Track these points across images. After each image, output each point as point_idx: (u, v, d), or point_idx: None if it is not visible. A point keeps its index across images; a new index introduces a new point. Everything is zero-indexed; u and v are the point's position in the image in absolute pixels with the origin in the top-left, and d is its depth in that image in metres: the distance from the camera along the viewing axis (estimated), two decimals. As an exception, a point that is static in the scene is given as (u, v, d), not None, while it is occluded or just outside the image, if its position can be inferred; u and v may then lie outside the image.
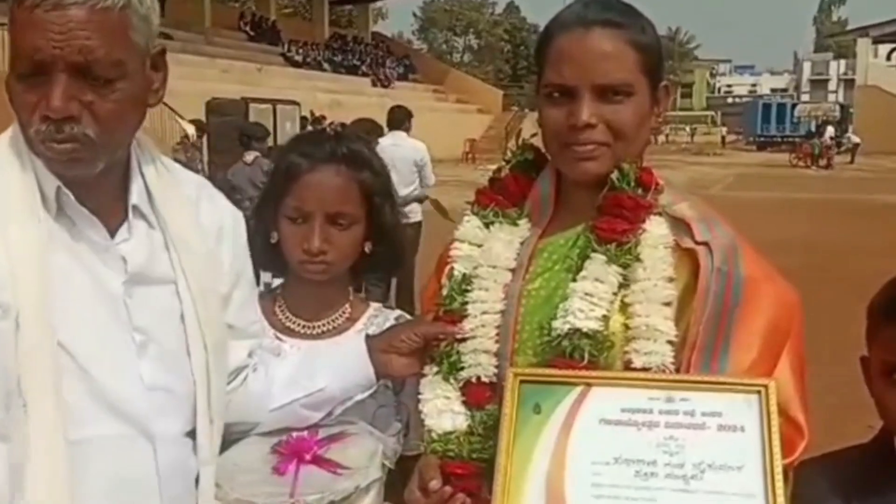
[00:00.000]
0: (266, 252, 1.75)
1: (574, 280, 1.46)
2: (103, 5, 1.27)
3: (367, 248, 1.75)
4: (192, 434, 1.44)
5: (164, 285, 1.43)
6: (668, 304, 1.42)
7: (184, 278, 1.43)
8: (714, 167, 33.83)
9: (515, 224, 1.57)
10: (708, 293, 1.40)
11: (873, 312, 1.48)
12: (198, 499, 1.44)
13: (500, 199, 1.60)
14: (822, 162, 34.95)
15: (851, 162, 35.32)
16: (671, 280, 1.43)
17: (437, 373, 1.52)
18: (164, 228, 1.44)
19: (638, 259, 1.44)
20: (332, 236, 1.69)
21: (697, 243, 1.43)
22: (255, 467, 1.52)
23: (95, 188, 1.37)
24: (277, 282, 1.87)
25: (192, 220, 1.48)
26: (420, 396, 1.53)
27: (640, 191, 1.48)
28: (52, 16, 1.24)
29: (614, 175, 1.47)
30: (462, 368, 1.50)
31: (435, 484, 1.44)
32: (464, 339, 1.50)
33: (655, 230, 1.46)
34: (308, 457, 1.54)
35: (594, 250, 1.46)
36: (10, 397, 1.27)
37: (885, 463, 1.43)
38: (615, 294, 1.44)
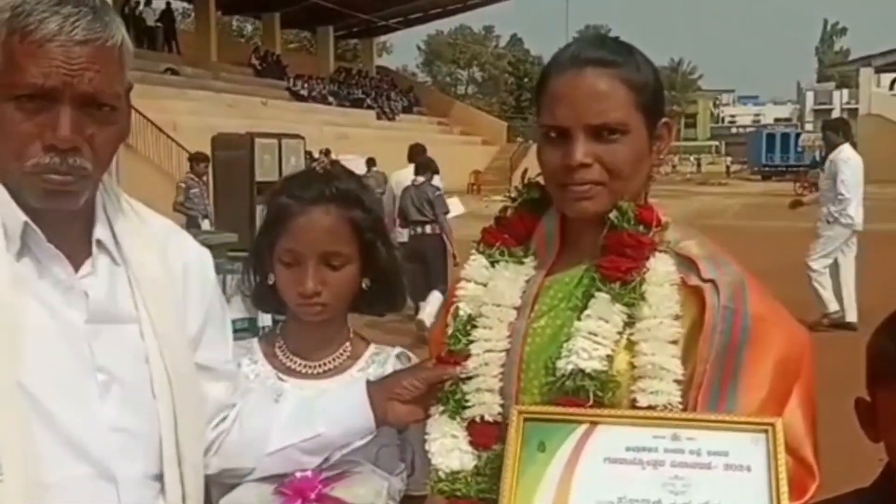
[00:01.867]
0: (264, 293, 1.76)
1: (578, 319, 1.46)
2: (109, 43, 1.31)
3: (365, 284, 1.75)
4: (160, 477, 1.43)
5: (127, 325, 1.42)
6: (674, 342, 1.41)
7: (148, 318, 1.43)
8: (719, 197, 33.86)
9: (521, 262, 1.57)
10: (714, 331, 1.39)
11: (884, 356, 1.40)
12: None
13: (505, 237, 1.60)
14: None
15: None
16: (677, 318, 1.42)
17: (443, 412, 1.51)
18: (128, 267, 1.43)
19: (643, 297, 1.43)
20: (326, 277, 1.68)
21: (704, 281, 1.43)
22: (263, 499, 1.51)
23: (62, 225, 1.36)
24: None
25: (158, 260, 1.47)
26: (426, 436, 1.52)
27: (641, 228, 1.47)
28: (62, 49, 1.27)
29: (613, 214, 1.47)
30: (467, 407, 1.49)
31: None
32: (468, 378, 1.50)
33: (661, 267, 1.45)
34: (313, 496, 1.53)
35: (598, 289, 1.46)
36: None
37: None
38: (620, 333, 1.43)
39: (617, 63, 1.47)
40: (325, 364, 1.76)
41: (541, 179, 1.58)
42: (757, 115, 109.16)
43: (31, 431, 1.27)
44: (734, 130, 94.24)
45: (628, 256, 1.46)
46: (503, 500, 1.33)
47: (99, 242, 1.41)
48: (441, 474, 1.48)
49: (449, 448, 1.49)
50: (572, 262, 1.55)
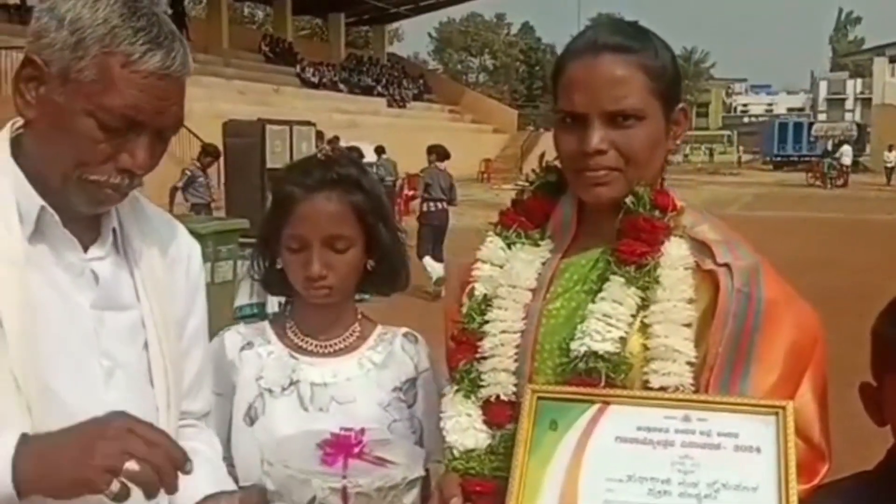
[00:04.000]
0: (273, 277, 1.81)
1: (593, 301, 1.47)
2: (186, 77, 1.36)
3: (369, 265, 1.79)
4: None
5: (129, 312, 1.45)
6: (687, 325, 1.42)
7: (148, 307, 1.46)
8: (731, 187, 33.73)
9: (537, 245, 1.59)
10: (728, 314, 1.41)
11: (892, 342, 1.41)
12: None
13: (522, 220, 1.62)
14: (840, 182, 34.77)
15: (845, 185, 34.87)
16: (691, 301, 1.43)
17: (457, 391, 1.53)
18: (130, 256, 1.47)
19: (657, 281, 1.45)
20: (331, 260, 1.72)
21: (718, 265, 1.44)
22: (304, 456, 1.55)
23: (72, 211, 1.38)
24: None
25: (157, 251, 1.51)
26: (442, 414, 1.55)
27: (656, 213, 1.49)
28: (159, 83, 1.31)
29: (629, 199, 1.48)
30: (482, 387, 1.51)
31: (456, 501, 1.46)
32: (483, 358, 1.52)
33: (675, 252, 1.46)
34: (356, 450, 1.56)
35: (613, 272, 1.47)
36: None
37: (890, 489, 1.40)
38: (634, 316, 1.45)
39: (634, 49, 1.47)
40: (335, 344, 1.81)
41: (558, 163, 1.59)
42: (770, 104, 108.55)
43: (39, 411, 1.29)
44: (746, 120, 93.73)
45: (643, 241, 1.47)
46: (514, 477, 1.35)
47: (113, 231, 1.44)
48: (455, 452, 1.50)
49: (464, 426, 1.51)
50: (588, 246, 1.56)
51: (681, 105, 1.54)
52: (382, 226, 1.79)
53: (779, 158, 50.81)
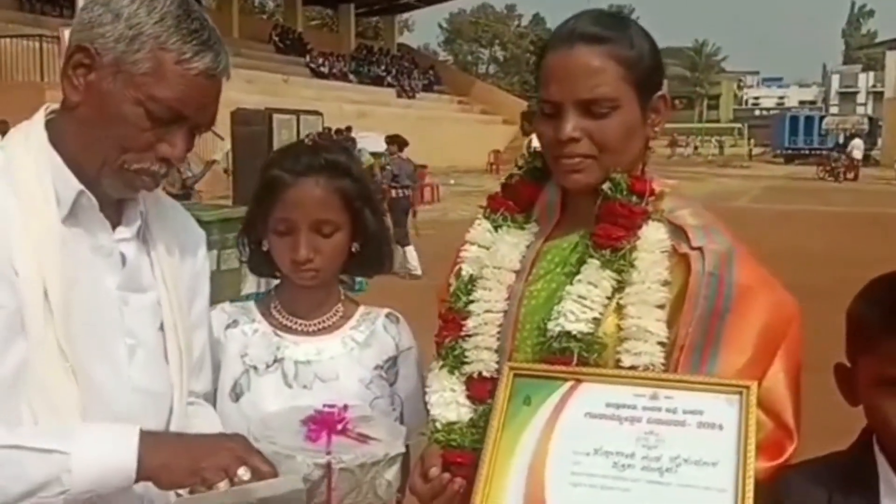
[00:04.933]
0: (259, 259, 1.86)
1: (571, 284, 1.52)
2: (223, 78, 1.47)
3: (355, 248, 1.83)
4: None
5: (148, 293, 1.53)
6: (660, 306, 1.47)
7: (164, 289, 1.54)
8: (740, 180, 33.61)
9: (522, 228, 1.64)
10: (697, 296, 1.45)
11: (866, 322, 1.43)
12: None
13: (509, 204, 1.67)
14: (850, 175, 34.62)
15: (855, 179, 34.69)
16: (666, 283, 1.47)
17: (442, 366, 1.59)
18: (149, 240, 1.55)
19: (632, 264, 1.49)
20: (317, 244, 1.77)
21: (692, 248, 1.48)
22: (289, 432, 1.60)
23: (103, 196, 1.46)
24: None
25: (172, 237, 1.59)
26: (427, 388, 1.61)
27: (633, 198, 1.53)
28: (206, 82, 1.42)
29: (606, 185, 1.53)
30: (466, 363, 1.57)
31: (435, 471, 1.52)
32: (468, 336, 1.57)
33: (652, 235, 1.51)
34: (339, 427, 1.61)
35: (590, 256, 1.52)
36: (12, 395, 1.34)
37: (865, 468, 1.44)
38: (609, 298, 1.49)
39: (608, 39, 1.51)
40: (319, 323, 1.86)
41: None
42: (781, 97, 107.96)
43: (79, 390, 1.37)
44: (758, 113, 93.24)
45: (620, 225, 1.52)
46: (487, 448, 1.41)
47: (140, 213, 1.53)
48: (438, 425, 1.57)
49: (448, 401, 1.57)
50: (570, 230, 1.61)
51: (660, 93, 1.58)
52: (368, 211, 1.84)
53: (789, 151, 50.52)
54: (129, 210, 1.52)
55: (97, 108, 1.39)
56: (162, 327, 1.54)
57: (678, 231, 1.51)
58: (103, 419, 1.39)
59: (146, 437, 1.33)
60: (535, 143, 1.71)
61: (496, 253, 1.62)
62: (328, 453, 1.54)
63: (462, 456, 1.52)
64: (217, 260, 7.54)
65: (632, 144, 1.55)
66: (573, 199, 1.62)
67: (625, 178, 1.53)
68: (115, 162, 1.41)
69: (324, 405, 1.64)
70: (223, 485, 1.29)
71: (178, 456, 1.33)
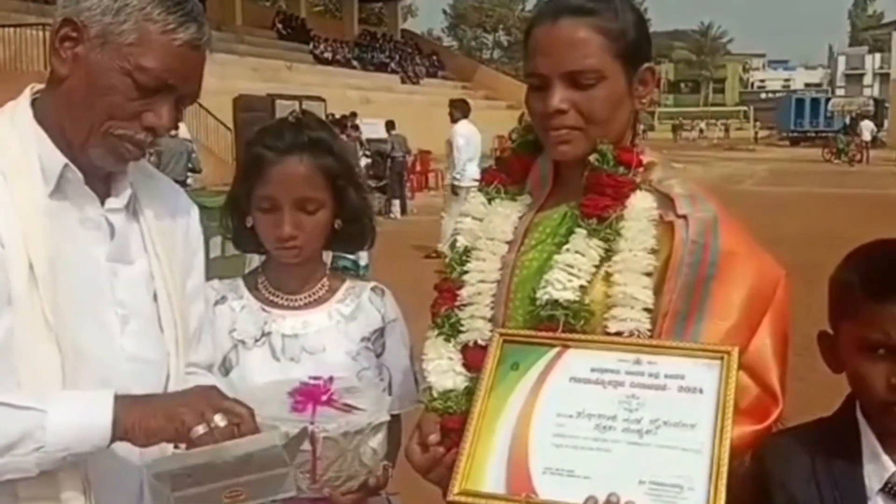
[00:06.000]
0: (243, 235, 1.88)
1: (559, 253, 1.54)
2: (206, 54, 1.50)
3: (338, 224, 1.86)
4: None
5: (138, 264, 1.56)
6: (647, 273, 1.49)
7: (156, 259, 1.57)
8: (746, 162, 33.50)
9: (515, 200, 1.68)
10: (682, 264, 1.48)
11: (848, 288, 1.45)
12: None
13: (503, 176, 1.71)
14: (858, 157, 34.50)
15: (864, 161, 34.50)
16: (653, 251, 1.50)
17: (438, 335, 1.63)
18: (138, 212, 1.57)
19: (619, 233, 1.52)
20: (301, 221, 1.79)
21: (678, 216, 1.51)
22: (276, 404, 1.63)
23: (90, 168, 1.48)
24: None
25: (163, 209, 1.61)
26: (423, 356, 1.64)
27: (620, 169, 1.55)
28: (191, 53, 1.45)
29: (593, 156, 1.56)
30: (461, 332, 1.60)
31: (434, 438, 1.55)
32: (463, 306, 1.61)
33: (640, 204, 1.53)
34: (324, 398, 1.65)
35: (578, 225, 1.55)
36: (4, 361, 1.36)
37: (848, 433, 1.46)
38: (597, 266, 1.52)
39: (593, 11, 1.54)
40: (305, 297, 1.89)
41: None
42: (787, 79, 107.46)
43: (61, 358, 1.39)
44: (764, 96, 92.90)
45: (607, 195, 1.55)
46: (474, 411, 1.44)
47: (131, 184, 1.55)
48: (435, 393, 1.60)
49: (444, 369, 1.61)
50: (560, 201, 1.64)
51: (647, 65, 1.60)
52: (351, 188, 1.86)
53: (795, 134, 50.39)
54: (118, 183, 1.54)
55: (84, 79, 1.42)
56: (155, 297, 1.56)
57: (665, 200, 1.53)
58: (94, 387, 1.41)
59: (122, 397, 1.34)
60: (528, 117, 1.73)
61: (490, 224, 1.65)
62: (312, 423, 1.57)
63: (459, 421, 1.55)
64: (221, 246, 7.57)
65: (618, 115, 1.57)
66: (564, 171, 1.65)
67: (611, 150, 1.56)
68: (101, 128, 1.43)
69: (310, 377, 1.66)
70: (201, 428, 1.31)
71: (154, 409, 1.35)
